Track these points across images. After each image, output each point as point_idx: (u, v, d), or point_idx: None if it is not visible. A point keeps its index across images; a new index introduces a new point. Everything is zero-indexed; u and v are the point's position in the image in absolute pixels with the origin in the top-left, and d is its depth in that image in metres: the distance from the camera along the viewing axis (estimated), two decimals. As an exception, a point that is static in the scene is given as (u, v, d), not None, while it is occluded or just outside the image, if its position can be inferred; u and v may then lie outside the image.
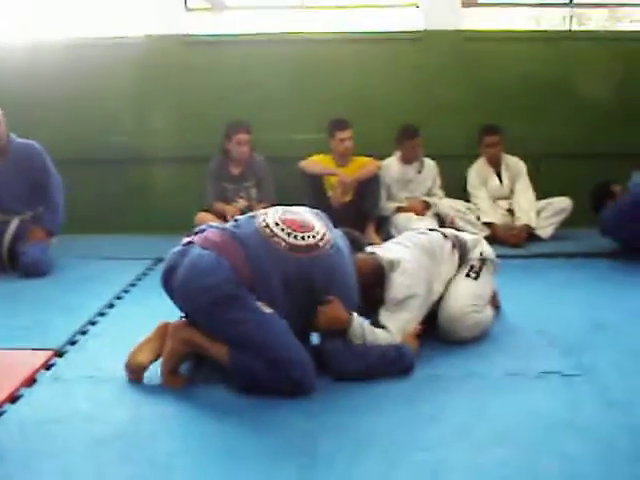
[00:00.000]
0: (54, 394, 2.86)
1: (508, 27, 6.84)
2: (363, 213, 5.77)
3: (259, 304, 2.81)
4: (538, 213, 5.92)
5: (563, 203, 5.90)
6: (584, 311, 3.96)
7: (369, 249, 3.47)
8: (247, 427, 2.57)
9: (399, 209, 5.97)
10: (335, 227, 3.25)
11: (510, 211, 6.00)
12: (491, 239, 5.01)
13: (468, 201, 6.06)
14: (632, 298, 4.24)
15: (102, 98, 6.32)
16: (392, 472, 2.26)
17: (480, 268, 3.56)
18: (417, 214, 5.87)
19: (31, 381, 2.96)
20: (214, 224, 3.19)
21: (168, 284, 2.97)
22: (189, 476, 2.26)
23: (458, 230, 4.10)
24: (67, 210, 5.19)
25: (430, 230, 3.77)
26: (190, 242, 2.99)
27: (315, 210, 3.26)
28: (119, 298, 4.29)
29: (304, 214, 3.13)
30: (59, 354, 3.28)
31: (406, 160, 6.05)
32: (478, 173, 6.12)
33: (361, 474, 2.26)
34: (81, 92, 6.35)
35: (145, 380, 2.94)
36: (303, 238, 2.95)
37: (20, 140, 5.07)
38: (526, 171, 6.06)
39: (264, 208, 4.15)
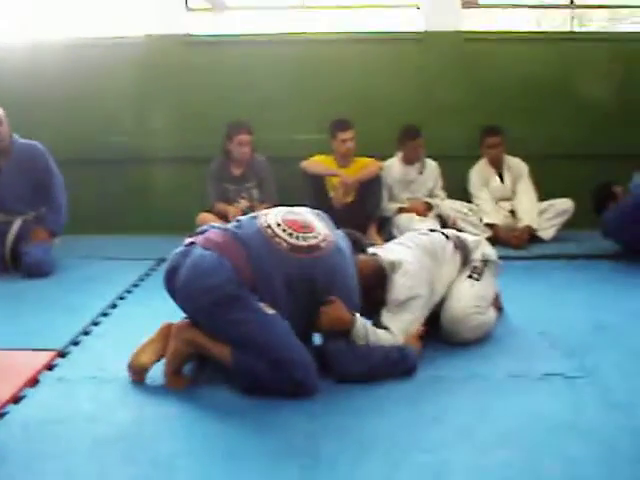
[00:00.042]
0: (57, 395, 2.86)
1: (509, 28, 6.83)
2: (365, 214, 5.76)
3: (261, 305, 2.82)
4: (540, 214, 5.91)
5: (565, 204, 5.90)
6: (586, 313, 3.97)
7: (371, 250, 3.47)
8: (250, 428, 2.58)
9: (401, 210, 5.97)
10: (337, 228, 3.25)
11: (512, 212, 5.99)
12: (493, 240, 5.02)
13: (470, 202, 6.06)
14: (634, 300, 4.23)
15: (102, 98, 6.32)
16: (394, 474, 2.26)
17: (482, 269, 3.56)
18: (419, 215, 5.87)
19: (34, 382, 2.96)
20: (216, 225, 3.20)
21: (170, 285, 2.98)
22: (192, 477, 2.26)
23: (460, 231, 4.10)
24: (69, 210, 5.19)
25: (432, 231, 3.78)
26: (192, 243, 3.00)
27: (317, 211, 3.26)
28: (122, 298, 4.30)
29: (306, 215, 3.13)
30: (62, 355, 3.28)
31: (408, 161, 6.05)
32: (480, 174, 6.12)
33: (363, 475, 2.26)
34: (81, 92, 6.35)
35: (148, 381, 2.95)
36: (305, 239, 2.96)
37: (23, 140, 5.07)
38: (528, 172, 6.06)
39: (266, 209, 4.17)
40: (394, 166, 6.07)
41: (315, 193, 5.75)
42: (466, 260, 3.57)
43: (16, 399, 2.78)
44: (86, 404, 2.77)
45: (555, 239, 5.86)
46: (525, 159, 6.11)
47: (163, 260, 3.16)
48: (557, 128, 6.38)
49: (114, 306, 4.13)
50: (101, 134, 6.34)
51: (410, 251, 3.43)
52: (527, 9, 7.03)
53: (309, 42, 6.47)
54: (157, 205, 6.36)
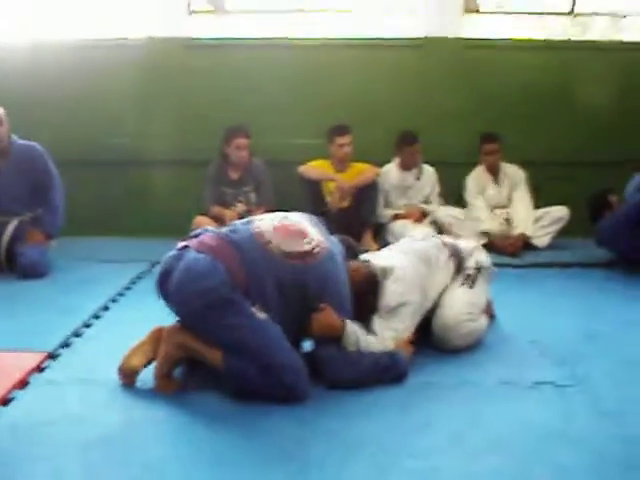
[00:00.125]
0: (46, 397, 2.85)
1: (509, 35, 6.84)
2: (360, 219, 5.76)
3: (254, 309, 2.82)
4: (535, 222, 5.91)
5: (560, 212, 5.90)
6: (578, 321, 3.97)
7: (364, 256, 3.48)
8: (239, 433, 2.57)
9: (396, 216, 5.97)
10: (331, 233, 3.25)
11: (507, 220, 5.99)
12: (488, 247, 4.99)
13: (465, 209, 6.06)
14: (626, 309, 4.24)
15: (103, 99, 6.33)
16: (384, 479, 2.26)
17: (476, 277, 3.56)
18: (414, 221, 5.87)
19: (24, 383, 2.95)
20: (210, 228, 3.20)
21: (163, 288, 2.97)
22: (179, 481, 2.26)
23: (455, 238, 4.10)
24: (66, 212, 5.20)
25: (427, 238, 3.78)
26: (186, 246, 2.99)
27: (311, 217, 3.26)
28: (114, 301, 4.29)
29: (300, 221, 3.13)
30: (52, 356, 3.28)
31: (405, 166, 6.05)
32: (476, 181, 6.12)
33: (352, 481, 2.26)
34: (82, 93, 6.36)
35: (138, 384, 2.94)
36: (298, 245, 2.96)
37: (22, 142, 5.07)
38: (525, 179, 6.06)
39: (263, 212, 4.17)
40: (391, 172, 6.07)
41: (312, 198, 5.76)
42: (460, 267, 3.57)
43: (5, 401, 2.78)
44: (75, 406, 2.76)
45: (550, 247, 5.86)
46: (523, 166, 6.11)
47: (157, 263, 3.14)
48: (555, 136, 6.39)
49: (106, 309, 4.13)
50: (101, 135, 6.35)
51: (403, 257, 3.44)
52: (527, 16, 7.01)
53: (309, 47, 6.48)
54: (155, 208, 6.36)
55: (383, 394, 2.91)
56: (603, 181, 5.62)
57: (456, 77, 6.44)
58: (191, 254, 2.91)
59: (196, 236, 3.08)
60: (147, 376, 2.93)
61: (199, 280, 2.82)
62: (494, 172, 6.11)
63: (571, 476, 2.28)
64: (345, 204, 5.79)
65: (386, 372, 3.01)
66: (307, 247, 2.97)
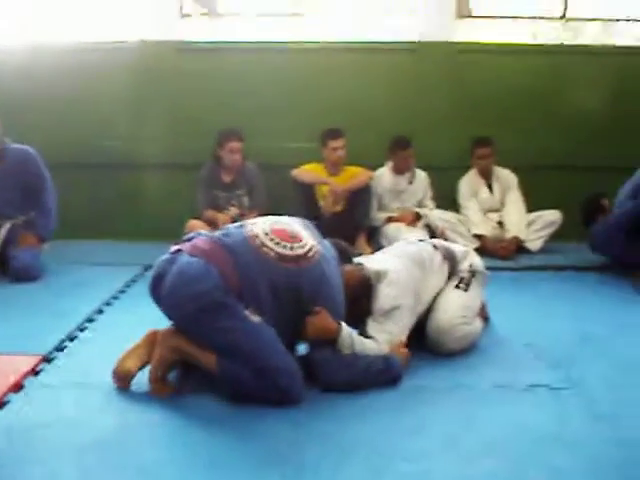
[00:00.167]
0: (41, 400, 2.85)
1: (502, 40, 6.85)
2: (354, 223, 5.77)
3: (247, 312, 2.82)
4: (528, 226, 5.92)
5: (553, 216, 5.92)
6: (572, 324, 3.98)
7: (357, 260, 3.48)
8: (233, 436, 2.57)
9: (389, 219, 5.98)
10: (324, 237, 3.26)
11: (500, 223, 6.00)
12: (481, 251, 5.01)
13: (459, 212, 6.07)
14: (620, 311, 4.26)
15: (96, 102, 6.32)
16: (378, 483, 2.26)
17: (470, 280, 3.56)
18: (408, 225, 5.88)
19: (18, 387, 2.94)
20: (203, 232, 3.20)
21: (156, 292, 2.97)
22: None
23: (448, 241, 4.11)
24: (59, 214, 5.19)
25: (420, 241, 3.79)
26: (179, 250, 2.99)
27: (304, 221, 3.27)
28: (108, 304, 4.29)
29: (293, 225, 3.14)
30: (47, 360, 3.27)
31: (398, 171, 6.06)
32: (469, 185, 6.13)
33: (347, 484, 2.27)
34: (75, 96, 6.35)
35: (132, 387, 2.94)
36: (292, 248, 2.96)
37: (15, 145, 5.06)
38: (517, 183, 6.08)
39: (256, 216, 4.17)
40: (384, 176, 6.08)
41: (305, 201, 5.76)
42: (454, 270, 3.58)
43: (0, 404, 2.77)
44: (70, 410, 2.76)
45: (543, 250, 5.87)
46: (515, 170, 6.12)
47: (151, 266, 3.14)
48: (548, 140, 6.40)
49: (101, 312, 4.12)
50: (94, 138, 6.33)
51: (397, 260, 3.44)
52: (520, 21, 7.03)
53: (302, 50, 6.48)
54: (148, 211, 6.34)
55: (377, 397, 2.92)
56: (595, 185, 5.64)
57: (449, 81, 6.45)
58: (184, 258, 2.90)
59: (189, 240, 3.08)
60: (142, 379, 2.93)
61: (192, 284, 2.82)
62: (487, 176, 6.12)
63: (566, 479, 2.28)
64: (338, 208, 5.80)
65: (380, 375, 3.01)
66: (301, 251, 2.98)
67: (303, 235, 3.06)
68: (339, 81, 6.42)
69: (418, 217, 6.01)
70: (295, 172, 5.86)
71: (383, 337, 3.17)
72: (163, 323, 3.00)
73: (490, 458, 2.41)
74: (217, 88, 6.39)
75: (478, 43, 6.63)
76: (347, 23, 6.94)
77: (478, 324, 3.57)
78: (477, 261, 3.69)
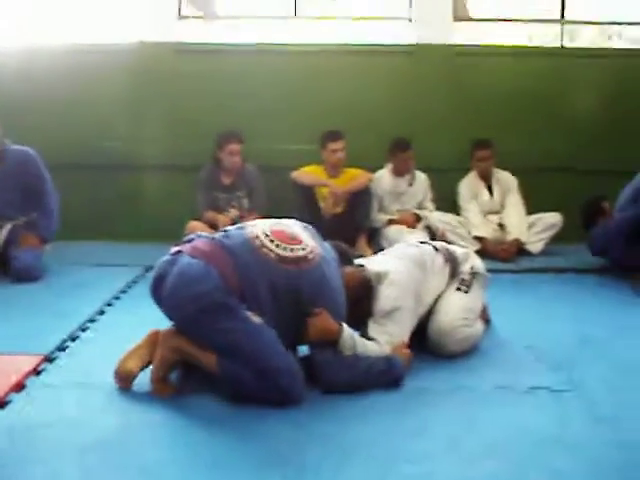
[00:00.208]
0: (43, 400, 2.85)
1: (500, 42, 6.87)
2: (354, 225, 5.78)
3: (248, 313, 2.82)
4: (528, 228, 5.93)
5: (553, 218, 5.93)
6: (573, 326, 3.98)
7: (358, 261, 3.48)
8: (235, 436, 2.57)
9: (390, 221, 5.99)
10: (324, 239, 3.27)
11: (501, 225, 6.01)
12: (481, 253, 5.03)
13: (459, 215, 6.08)
14: (621, 314, 4.27)
15: (95, 103, 6.33)
16: (380, 484, 2.26)
17: (471, 282, 3.56)
18: (408, 227, 5.89)
19: (20, 386, 2.94)
20: (203, 233, 3.20)
21: (157, 293, 2.97)
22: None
23: (448, 243, 4.11)
24: (58, 216, 5.19)
25: (421, 243, 3.79)
26: (179, 251, 2.99)
27: (304, 223, 3.27)
28: (110, 305, 4.29)
29: (293, 227, 3.15)
30: (49, 360, 3.27)
31: (398, 173, 6.07)
32: (469, 187, 6.14)
33: (349, 485, 2.27)
34: (74, 97, 6.36)
35: (134, 387, 2.94)
36: (292, 250, 2.97)
37: (15, 147, 5.07)
38: (517, 186, 6.09)
39: (256, 218, 4.17)
40: (384, 178, 6.09)
41: (305, 203, 5.76)
42: (455, 272, 3.58)
43: (2, 404, 2.76)
44: (72, 409, 2.76)
45: (543, 253, 5.88)
46: (515, 172, 6.13)
47: (151, 267, 3.14)
48: (547, 142, 6.42)
49: (102, 312, 4.13)
50: (93, 139, 6.34)
51: (398, 262, 3.44)
52: (518, 23, 7.05)
53: (300, 53, 6.50)
54: (147, 212, 6.35)
55: (379, 398, 2.92)
56: (596, 188, 5.65)
57: (448, 84, 6.47)
58: (184, 259, 2.91)
59: (189, 241, 3.08)
60: (143, 380, 2.93)
61: (193, 285, 2.82)
62: (487, 178, 6.13)
63: (567, 481, 2.29)
64: (339, 209, 5.81)
65: (382, 376, 3.01)
66: (301, 252, 2.98)
67: (303, 237, 3.07)
68: (338, 83, 6.44)
69: (418, 219, 6.01)
70: (295, 174, 5.87)
71: (384, 338, 3.17)
72: (164, 324, 3.01)
73: (491, 460, 2.41)
74: (216, 90, 6.41)
75: (476, 46, 6.67)
76: (345, 27, 6.95)
77: (479, 326, 3.58)
78: (478, 263, 3.69)
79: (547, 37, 7.29)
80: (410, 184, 6.12)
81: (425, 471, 2.33)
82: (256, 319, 2.82)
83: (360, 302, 3.24)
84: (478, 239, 5.86)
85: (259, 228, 3.04)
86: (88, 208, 6.35)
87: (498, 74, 6.46)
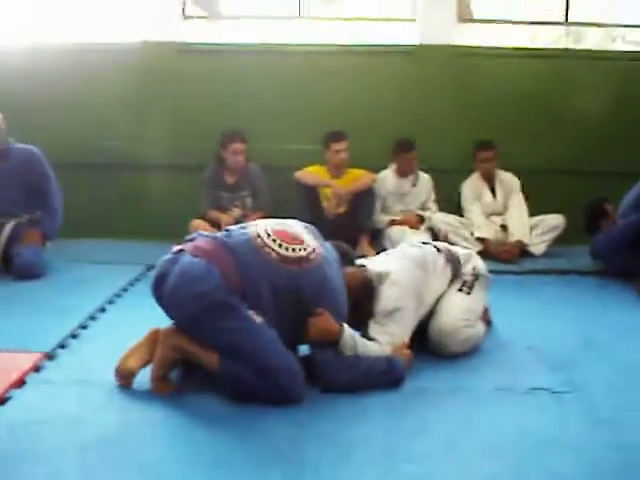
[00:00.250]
0: (43, 397, 2.86)
1: (504, 44, 6.86)
2: (357, 225, 5.78)
3: (250, 312, 2.83)
4: (531, 230, 5.92)
5: (556, 220, 5.92)
6: (575, 328, 3.98)
7: (359, 262, 3.49)
8: (235, 435, 2.58)
9: (393, 222, 5.98)
10: (326, 240, 3.27)
11: (503, 227, 6.00)
12: (484, 254, 5.02)
13: (462, 216, 6.08)
14: (622, 316, 4.26)
15: (98, 103, 6.32)
16: (379, 483, 2.27)
17: (473, 283, 3.56)
18: (411, 227, 5.88)
19: (20, 383, 2.95)
20: (205, 232, 3.21)
21: (158, 292, 2.98)
22: (176, 483, 2.26)
23: (451, 244, 4.11)
24: (62, 214, 5.20)
25: (424, 244, 3.79)
26: (181, 250, 3.00)
27: (305, 224, 3.28)
28: (111, 303, 4.30)
29: (295, 227, 3.15)
30: (50, 357, 3.27)
31: (401, 173, 6.07)
32: (472, 188, 6.13)
33: (348, 484, 2.27)
34: (77, 96, 6.36)
35: (134, 386, 2.94)
36: (294, 250, 2.97)
37: (19, 145, 5.09)
38: (520, 187, 6.08)
39: (259, 217, 4.17)
40: (388, 178, 6.09)
41: (308, 203, 5.76)
42: (457, 273, 3.58)
43: (2, 400, 2.77)
44: (72, 407, 2.76)
45: (546, 254, 5.86)
46: (518, 174, 6.12)
47: (153, 266, 3.15)
48: (550, 144, 6.40)
49: (103, 310, 4.13)
50: (95, 138, 6.34)
51: (399, 262, 3.44)
52: (522, 26, 7.04)
53: (304, 53, 6.49)
54: (149, 211, 6.35)
55: (379, 398, 2.92)
56: (599, 190, 5.63)
57: (452, 85, 6.45)
58: (186, 258, 2.91)
59: (191, 240, 3.09)
60: (144, 378, 2.93)
61: (194, 284, 2.82)
62: (489, 180, 6.13)
63: (566, 483, 2.29)
64: (342, 210, 5.81)
65: (383, 377, 3.01)
66: (303, 253, 2.99)
67: (305, 237, 3.08)
68: (342, 83, 6.43)
69: (421, 220, 6.01)
70: (298, 174, 5.87)
71: (385, 339, 3.18)
72: (165, 322, 3.01)
73: (491, 461, 2.41)
74: (219, 90, 6.40)
75: (479, 47, 6.64)
76: (348, 27, 6.95)
77: (480, 327, 3.57)
78: (480, 264, 3.69)
79: (551, 39, 7.28)
80: (414, 185, 6.11)
81: (424, 471, 2.33)
82: (257, 318, 2.82)
83: (361, 302, 3.25)
84: (480, 240, 5.85)
85: (261, 228, 3.04)
86: (90, 207, 6.34)
87: (501, 75, 6.45)
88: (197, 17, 6.78)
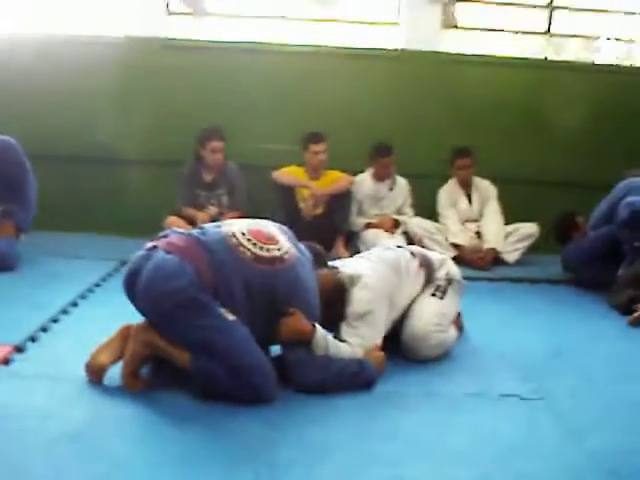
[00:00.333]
0: (11, 389, 2.84)
1: (486, 52, 6.90)
2: (333, 227, 5.79)
3: (222, 310, 2.83)
4: (505, 237, 5.96)
5: (530, 229, 5.96)
6: (545, 336, 4.02)
7: (332, 264, 3.49)
8: (206, 433, 2.58)
9: (368, 225, 5.99)
10: (302, 241, 3.28)
11: (478, 234, 6.03)
12: (458, 260, 5.05)
13: (437, 221, 6.10)
14: (593, 325, 4.31)
15: (78, 96, 6.27)
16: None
17: (446, 288, 3.58)
18: (386, 231, 5.90)
19: (-11, 375, 2.93)
20: (179, 229, 3.20)
21: (130, 288, 2.96)
22: (143, 480, 2.25)
23: (425, 249, 4.12)
24: (38, 205, 5.17)
25: (398, 247, 3.80)
26: (154, 246, 2.99)
27: (280, 225, 3.28)
28: (83, 297, 4.27)
29: (269, 227, 3.16)
30: (19, 349, 3.24)
31: (378, 177, 6.08)
32: (448, 194, 6.16)
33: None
34: (57, 88, 6.30)
35: (105, 381, 2.93)
36: (268, 250, 2.98)
37: None
38: (496, 195, 6.12)
39: (235, 216, 4.16)
40: (365, 182, 6.10)
41: (285, 203, 5.77)
42: (430, 278, 3.59)
43: (-30, 392, 2.76)
44: (41, 401, 2.75)
45: (519, 262, 5.90)
46: (494, 181, 6.16)
47: (126, 262, 3.13)
48: (527, 153, 6.44)
49: (75, 304, 4.10)
50: (74, 131, 6.28)
51: (372, 265, 3.45)
52: (504, 35, 7.09)
53: (288, 53, 6.49)
54: (127, 206, 6.31)
55: (350, 400, 2.93)
56: (573, 201, 5.72)
57: (433, 90, 6.48)
58: (160, 254, 2.90)
59: (165, 236, 3.08)
60: (115, 373, 2.92)
61: (167, 280, 2.82)
62: (466, 186, 6.16)
63: (534, 488, 2.31)
64: (318, 211, 5.82)
65: (354, 378, 3.02)
66: (277, 253, 2.99)
67: (279, 238, 3.09)
68: (324, 85, 6.42)
69: (397, 224, 6.02)
70: (275, 174, 5.87)
71: (356, 341, 3.18)
72: (137, 318, 2.99)
73: (460, 466, 2.43)
74: (201, 87, 6.38)
75: (462, 54, 6.67)
76: (334, 29, 6.95)
77: (452, 332, 3.59)
78: (454, 269, 3.70)
79: (532, 49, 7.34)
80: (390, 189, 6.13)
81: (394, 474, 2.35)
82: (230, 316, 2.82)
83: (333, 304, 3.25)
84: (455, 246, 5.88)
85: (236, 227, 3.05)
86: (66, 200, 6.29)
87: (482, 83, 6.49)
88: (181, 13, 6.75)
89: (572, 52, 7.46)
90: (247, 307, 2.90)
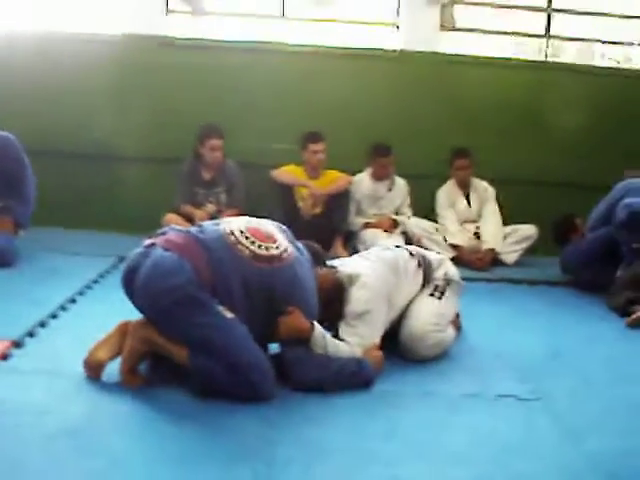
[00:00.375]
0: (10, 385, 2.84)
1: (484, 53, 6.91)
2: (331, 227, 5.79)
3: (221, 308, 2.83)
4: (504, 239, 5.96)
5: (529, 231, 5.96)
6: (543, 337, 4.03)
7: (331, 263, 3.49)
8: (203, 430, 2.58)
9: (367, 225, 6.00)
10: (301, 240, 3.28)
11: (477, 234, 6.03)
12: (456, 261, 5.05)
13: (436, 222, 6.10)
14: (590, 327, 4.32)
15: (76, 93, 6.26)
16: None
17: (444, 288, 3.58)
18: (385, 231, 5.90)
19: (-13, 371, 2.93)
20: (177, 227, 3.20)
21: (129, 285, 2.96)
22: (143, 478, 2.24)
23: (424, 250, 4.12)
24: (36, 201, 5.15)
25: (397, 247, 3.80)
26: (152, 244, 2.99)
27: (278, 223, 3.29)
28: (82, 294, 4.26)
29: (268, 226, 3.16)
30: (17, 345, 3.24)
31: (377, 177, 6.08)
32: (447, 195, 6.16)
33: (316, 482, 2.28)
34: (55, 85, 6.28)
35: (103, 377, 2.92)
36: (267, 248, 2.98)
37: None
38: (495, 196, 6.12)
39: (233, 214, 4.16)
40: (364, 181, 6.10)
41: (283, 202, 5.77)
42: (428, 278, 3.59)
43: (-32, 387, 2.75)
44: (40, 396, 2.74)
45: (518, 264, 5.91)
46: (493, 183, 6.16)
47: (125, 258, 3.13)
48: (526, 154, 6.45)
49: (74, 301, 4.10)
50: (73, 128, 6.27)
51: (370, 264, 3.45)
52: (503, 36, 7.10)
53: (287, 53, 6.48)
54: (125, 203, 6.30)
55: (348, 399, 2.93)
56: (572, 202, 5.71)
57: (432, 91, 6.48)
58: (158, 251, 2.90)
59: (163, 234, 3.08)
60: (113, 370, 2.91)
61: (166, 277, 2.82)
62: (465, 187, 6.16)
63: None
64: (317, 211, 5.82)
65: (353, 377, 3.02)
66: (275, 251, 2.99)
67: (278, 236, 3.09)
68: (323, 85, 6.42)
69: (395, 224, 6.03)
70: (274, 173, 5.87)
71: (355, 340, 3.18)
72: (135, 314, 2.99)
73: (457, 466, 2.43)
74: (199, 85, 6.37)
75: (460, 55, 6.68)
76: (333, 30, 6.96)
77: (451, 332, 3.59)
78: (452, 270, 3.71)
79: (530, 51, 7.35)
80: (389, 189, 6.13)
81: (392, 474, 2.35)
82: (228, 314, 2.82)
83: (332, 304, 3.25)
84: (454, 247, 5.89)
85: (235, 225, 3.05)
86: (66, 196, 6.28)
87: (481, 84, 6.49)
88: (180, 12, 6.75)
89: (570, 55, 7.48)
90: (245, 305, 2.90)
